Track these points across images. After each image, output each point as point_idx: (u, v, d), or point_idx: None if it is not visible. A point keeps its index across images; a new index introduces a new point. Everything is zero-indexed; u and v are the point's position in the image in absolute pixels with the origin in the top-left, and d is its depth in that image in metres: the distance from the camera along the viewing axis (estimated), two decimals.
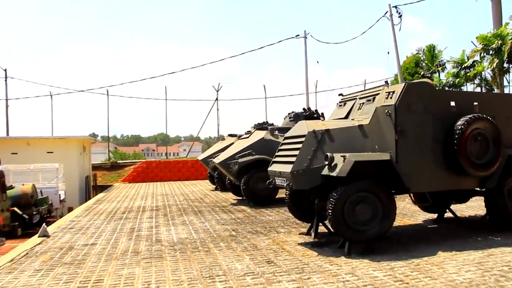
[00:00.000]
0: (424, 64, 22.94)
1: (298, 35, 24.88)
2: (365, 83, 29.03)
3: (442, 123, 6.37)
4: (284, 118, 13.72)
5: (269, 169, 7.06)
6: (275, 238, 7.20)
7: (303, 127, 6.41)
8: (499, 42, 17.52)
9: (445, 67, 22.10)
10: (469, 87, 21.09)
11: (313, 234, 7.08)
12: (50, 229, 8.91)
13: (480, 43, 18.61)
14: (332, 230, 6.07)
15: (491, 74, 19.24)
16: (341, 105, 7.46)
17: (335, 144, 6.16)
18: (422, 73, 22.18)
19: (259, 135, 12.15)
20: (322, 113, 12.89)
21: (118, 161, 31.22)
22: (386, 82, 6.69)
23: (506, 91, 18.71)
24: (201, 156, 18.01)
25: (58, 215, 17.21)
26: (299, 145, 6.21)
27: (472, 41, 21.33)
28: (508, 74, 18.66)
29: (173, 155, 70.64)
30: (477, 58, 19.81)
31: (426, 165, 6.25)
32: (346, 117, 6.96)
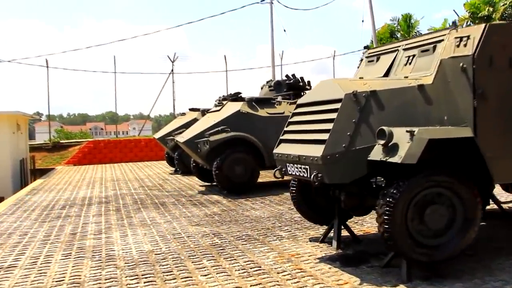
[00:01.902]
0: (399, 34, 21.40)
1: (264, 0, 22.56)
2: (334, 55, 27.32)
3: None
4: (262, 88, 11.53)
5: (275, 151, 4.86)
6: (280, 249, 5.08)
7: (335, 88, 4.22)
8: (490, 9, 16.13)
9: None
10: None
11: (335, 243, 5.02)
12: None
13: (467, 11, 17.17)
14: (386, 245, 3.97)
15: None
16: (372, 61, 5.29)
17: (386, 113, 4.06)
18: None
19: (234, 107, 9.87)
20: (309, 82, 10.78)
21: (61, 141, 27.78)
22: (454, 23, 4.58)
23: None
24: (158, 134, 15.56)
25: None
26: (332, 115, 4.05)
27: (454, 10, 19.92)
28: None
29: (123, 133, 67.29)
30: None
31: None
32: (386, 75, 4.86)
